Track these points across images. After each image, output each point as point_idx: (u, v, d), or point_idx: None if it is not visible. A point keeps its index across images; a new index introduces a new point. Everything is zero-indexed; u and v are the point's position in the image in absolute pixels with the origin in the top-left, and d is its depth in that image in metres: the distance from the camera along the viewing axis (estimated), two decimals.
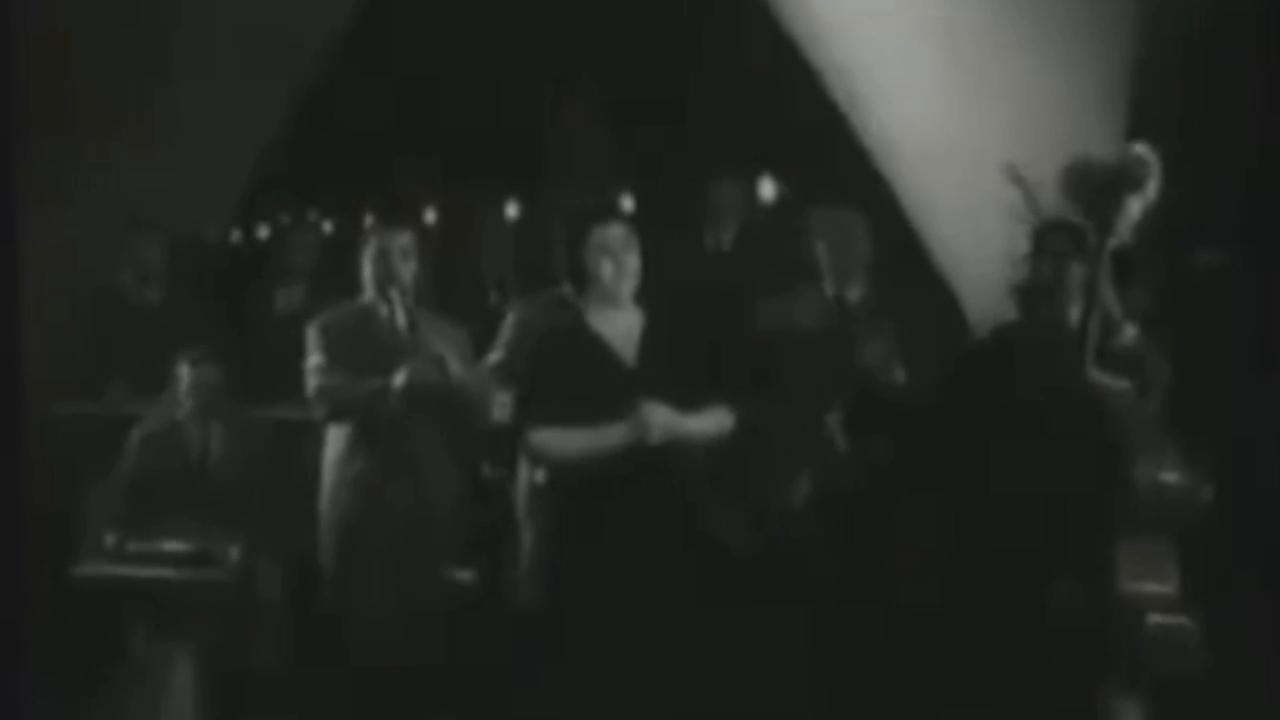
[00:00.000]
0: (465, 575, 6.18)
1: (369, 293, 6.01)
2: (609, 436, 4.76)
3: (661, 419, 4.75)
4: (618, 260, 4.90)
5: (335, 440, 6.01)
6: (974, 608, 5.15)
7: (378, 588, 5.88)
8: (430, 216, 11.31)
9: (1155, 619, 4.95)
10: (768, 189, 10.52)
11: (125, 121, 7.37)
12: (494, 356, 6.17)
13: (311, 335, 6.00)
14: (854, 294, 6.32)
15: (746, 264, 7.27)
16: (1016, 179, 5.46)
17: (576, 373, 4.88)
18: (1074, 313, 5.30)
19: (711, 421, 4.92)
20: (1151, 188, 5.07)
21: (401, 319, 5.94)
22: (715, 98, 10.78)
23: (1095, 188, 5.10)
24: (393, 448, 5.90)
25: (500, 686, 5.51)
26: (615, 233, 4.94)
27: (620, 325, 4.96)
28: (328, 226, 10.92)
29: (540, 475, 5.81)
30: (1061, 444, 5.00)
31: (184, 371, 6.43)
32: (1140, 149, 5.09)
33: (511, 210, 11.38)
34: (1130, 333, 5.28)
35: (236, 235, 9.93)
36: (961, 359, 5.97)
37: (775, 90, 8.55)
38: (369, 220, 6.58)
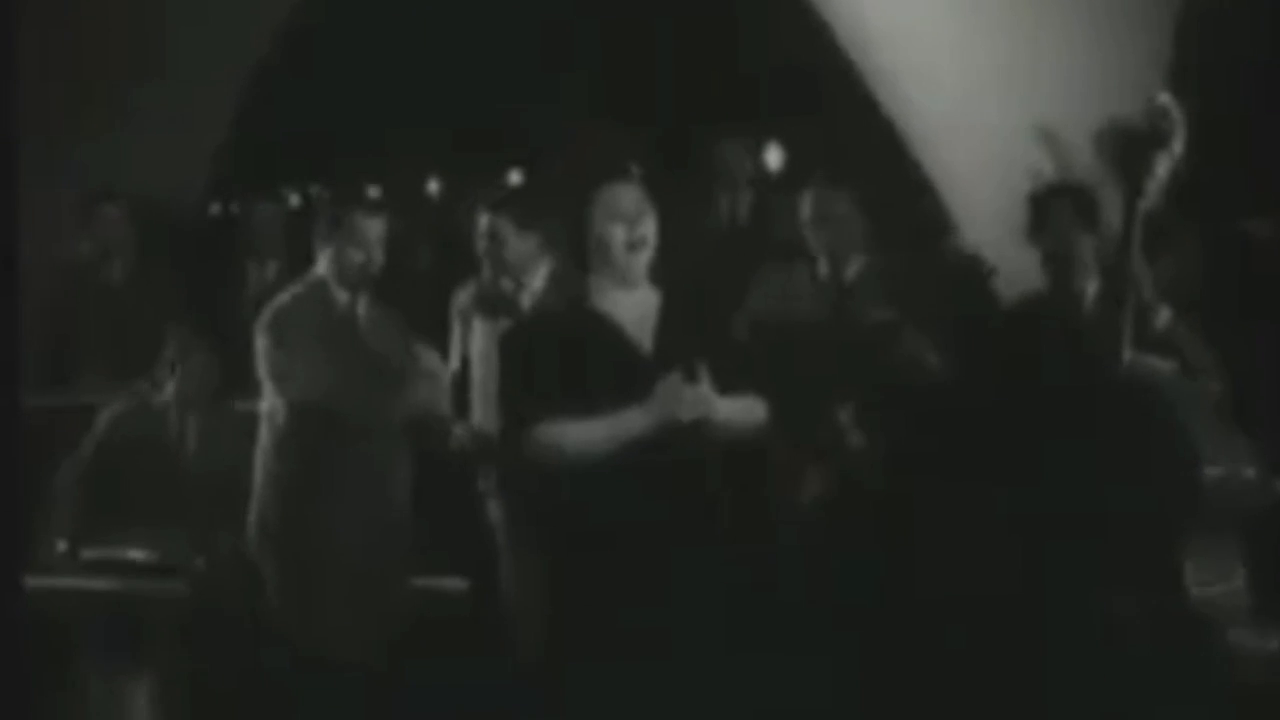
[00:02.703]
0: (453, 584, 5.98)
1: (323, 272, 5.70)
2: (632, 420, 4.27)
3: (692, 394, 4.28)
4: (631, 226, 4.38)
5: (275, 428, 5.69)
6: (1015, 620, 4.84)
7: (335, 600, 5.60)
8: (422, 192, 11.18)
9: (1227, 629, 4.60)
10: (781, 158, 10.23)
11: (93, 90, 7.24)
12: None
13: (266, 330, 5.66)
14: (850, 273, 5.95)
15: (761, 237, 6.98)
16: (1045, 139, 5.34)
17: (584, 360, 4.38)
18: (1090, 288, 5.14)
19: (743, 408, 4.45)
20: (1178, 144, 4.76)
21: (363, 310, 5.70)
22: (725, 64, 10.52)
23: (1124, 149, 4.84)
24: (348, 442, 5.61)
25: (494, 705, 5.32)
26: (628, 194, 4.41)
27: (632, 306, 4.45)
28: (302, 202, 10.69)
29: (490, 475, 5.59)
30: (1102, 434, 4.67)
31: (175, 353, 6.19)
32: (1163, 100, 4.79)
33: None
34: (1165, 315, 5.04)
35: (210, 209, 9.80)
36: (982, 341, 5.67)
37: (789, 57, 8.62)
38: (334, 199, 6.27)
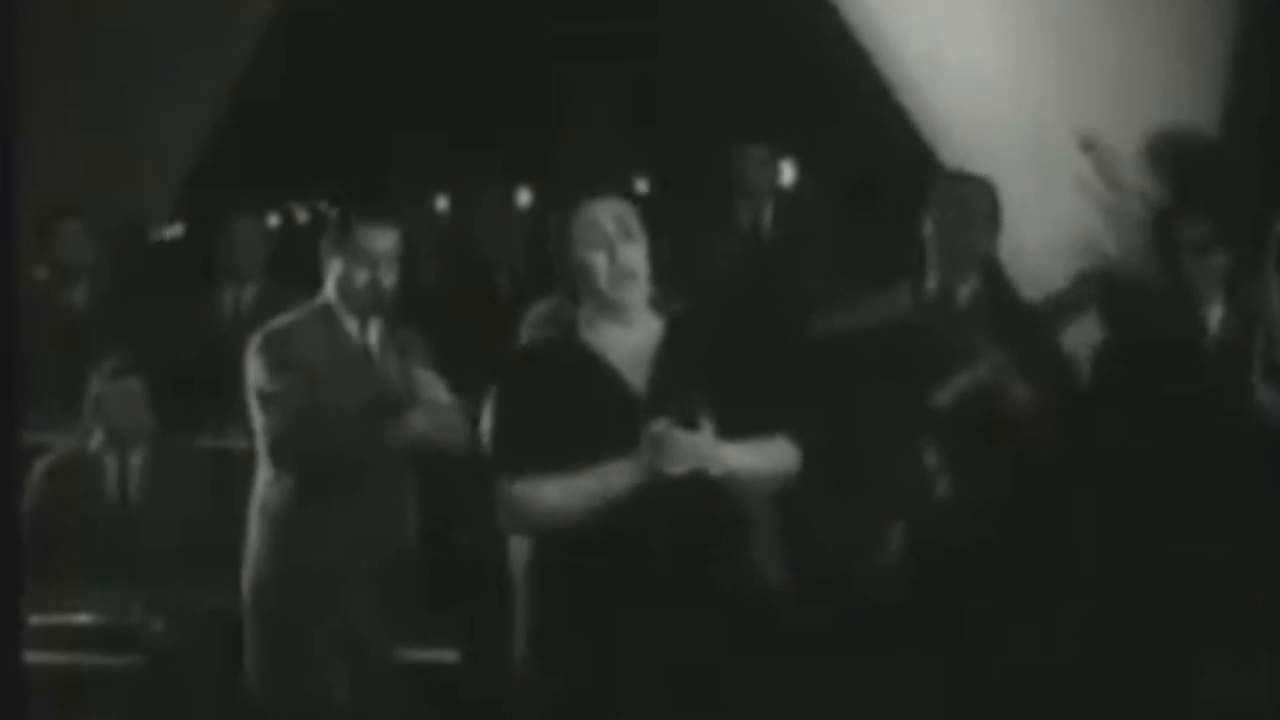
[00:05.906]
0: (447, 656, 5.60)
1: (330, 297, 5.16)
2: (616, 475, 3.74)
3: (682, 444, 3.70)
4: (612, 252, 3.85)
5: (269, 479, 5.19)
6: (1124, 697, 4.49)
7: (324, 667, 5.12)
8: (424, 201, 11.03)
9: None
10: (802, 164, 9.98)
11: (57, 95, 7.06)
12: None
13: (258, 352, 5.11)
14: (965, 291, 5.27)
15: (792, 249, 6.70)
16: (1090, 147, 5.21)
17: (571, 403, 3.85)
18: (1214, 315, 4.83)
19: (766, 455, 3.90)
20: None
21: (376, 340, 5.16)
22: (749, 65, 10.51)
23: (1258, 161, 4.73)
24: (348, 494, 5.10)
25: None
26: (608, 213, 3.87)
27: (628, 341, 3.91)
28: (288, 217, 10.47)
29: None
30: (1223, 483, 4.42)
31: (95, 388, 5.82)
32: None
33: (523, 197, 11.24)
34: None
35: (179, 227, 9.45)
36: (1086, 374, 5.22)
37: (817, 57, 8.17)
38: (342, 211, 5.87)
